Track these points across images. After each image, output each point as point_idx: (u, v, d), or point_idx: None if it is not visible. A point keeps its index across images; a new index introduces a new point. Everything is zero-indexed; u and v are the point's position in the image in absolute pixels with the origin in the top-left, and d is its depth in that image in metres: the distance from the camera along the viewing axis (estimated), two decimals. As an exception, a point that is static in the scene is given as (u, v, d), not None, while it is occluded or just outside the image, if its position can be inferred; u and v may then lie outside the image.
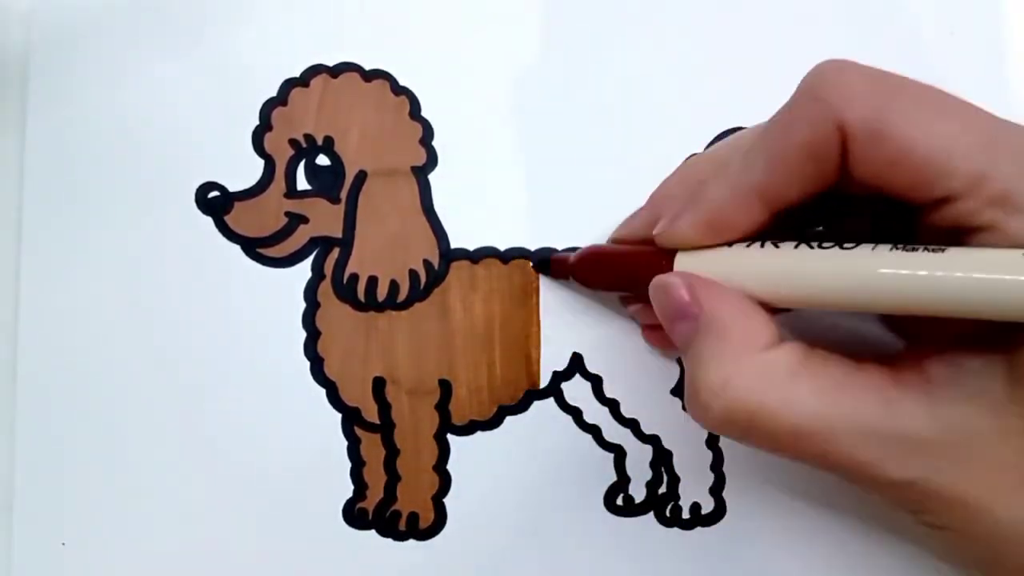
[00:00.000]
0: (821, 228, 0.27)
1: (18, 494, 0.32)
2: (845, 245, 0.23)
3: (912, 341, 0.26)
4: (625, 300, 0.32)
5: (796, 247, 0.24)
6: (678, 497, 0.32)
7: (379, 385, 0.32)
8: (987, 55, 0.34)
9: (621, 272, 0.29)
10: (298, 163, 0.32)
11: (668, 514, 0.32)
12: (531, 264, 0.32)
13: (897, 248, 0.22)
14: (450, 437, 0.32)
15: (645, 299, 0.27)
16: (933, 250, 0.22)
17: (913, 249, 0.22)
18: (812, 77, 0.24)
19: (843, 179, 0.24)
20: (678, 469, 0.32)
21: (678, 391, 0.32)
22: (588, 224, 0.33)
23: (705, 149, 0.31)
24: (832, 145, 0.23)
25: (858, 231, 0.25)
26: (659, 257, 0.27)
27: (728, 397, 0.23)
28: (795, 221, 0.26)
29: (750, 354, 0.24)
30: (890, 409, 0.23)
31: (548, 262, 0.32)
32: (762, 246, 0.25)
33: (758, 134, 0.25)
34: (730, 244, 0.26)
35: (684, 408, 0.31)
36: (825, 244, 0.24)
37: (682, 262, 0.27)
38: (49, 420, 0.32)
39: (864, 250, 0.23)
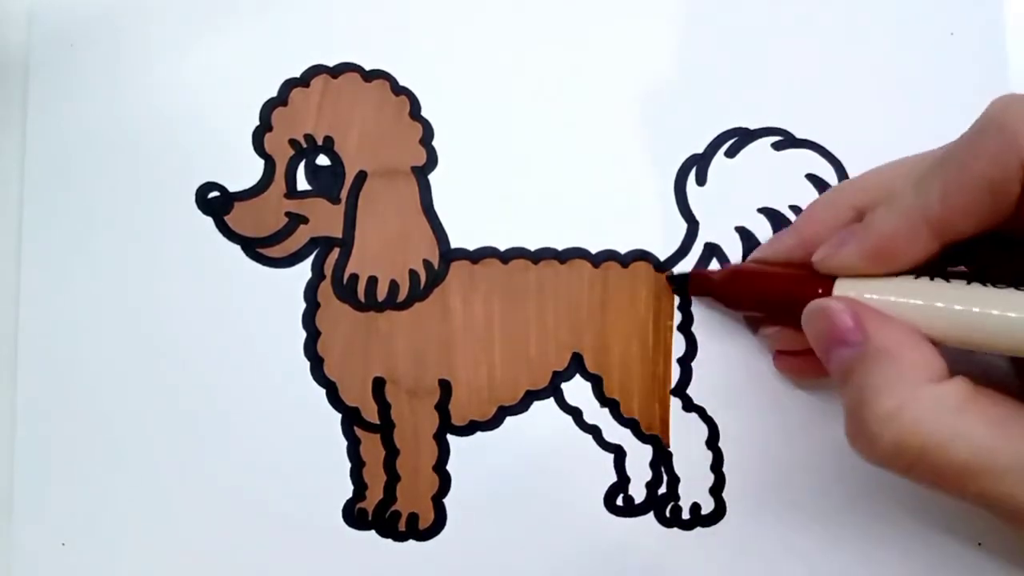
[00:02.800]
0: (963, 268, 0.26)
1: (18, 494, 0.32)
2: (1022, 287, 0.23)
3: None
4: (755, 322, 0.31)
5: (968, 283, 0.24)
6: (678, 497, 0.32)
7: (379, 385, 0.32)
8: (987, 55, 0.34)
9: (770, 294, 0.28)
10: (298, 163, 0.32)
11: (668, 514, 0.32)
12: (666, 277, 0.32)
13: None
14: (450, 437, 0.32)
15: (786, 323, 0.27)
16: None
17: None
18: (997, 110, 0.24)
19: (1017, 216, 0.24)
20: (678, 469, 0.32)
21: (678, 391, 0.32)
22: (588, 224, 0.33)
23: (857, 175, 0.30)
24: (1014, 181, 0.23)
25: (1013, 272, 0.25)
26: (816, 282, 0.27)
27: (900, 427, 0.23)
28: (952, 258, 0.25)
29: (923, 385, 0.23)
30: None
31: (685, 278, 0.32)
32: (932, 279, 0.25)
33: (932, 163, 0.25)
34: (896, 275, 0.25)
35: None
36: (999, 284, 0.24)
37: (842, 288, 0.26)
38: (49, 420, 0.32)
39: None
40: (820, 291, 0.26)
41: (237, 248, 0.32)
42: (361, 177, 0.33)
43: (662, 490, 0.32)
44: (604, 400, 0.32)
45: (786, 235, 0.30)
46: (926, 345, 0.24)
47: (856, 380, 0.24)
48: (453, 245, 0.33)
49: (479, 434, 0.32)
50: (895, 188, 0.26)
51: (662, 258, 0.33)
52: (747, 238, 0.33)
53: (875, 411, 0.23)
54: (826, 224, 0.28)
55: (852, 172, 0.33)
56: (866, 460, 0.24)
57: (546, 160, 0.33)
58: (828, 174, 0.33)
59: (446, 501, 0.32)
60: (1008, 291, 0.23)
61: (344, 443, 0.32)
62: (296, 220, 0.32)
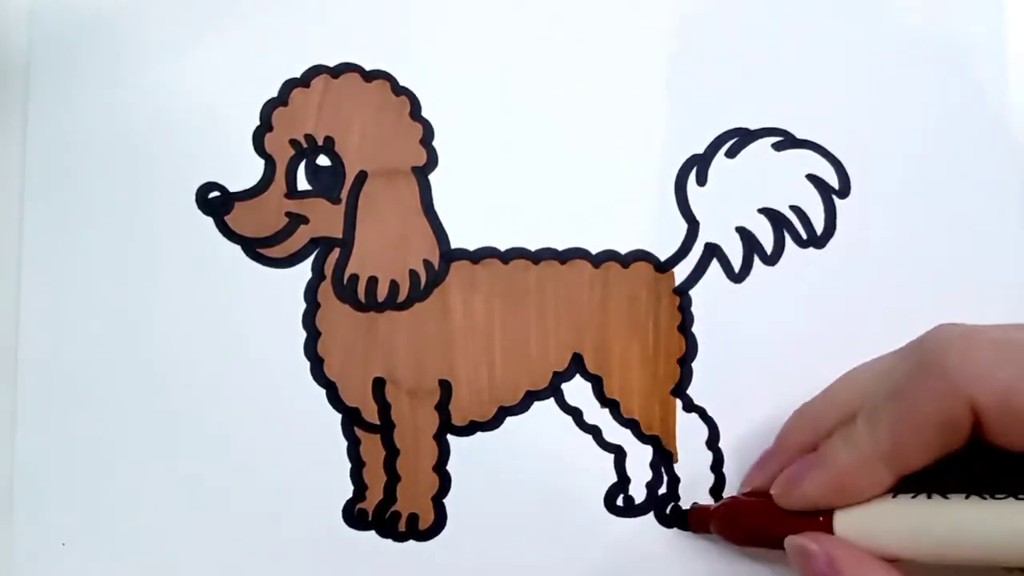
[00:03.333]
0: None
1: (18, 494, 0.32)
2: (996, 496, 0.24)
3: None
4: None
5: (967, 498, 0.25)
6: (678, 497, 0.32)
7: (379, 385, 0.32)
8: (987, 55, 0.34)
9: (772, 529, 0.29)
10: (299, 163, 0.32)
11: (668, 514, 0.32)
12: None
13: None
14: (450, 438, 0.32)
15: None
16: None
17: None
18: (934, 349, 0.25)
19: (972, 442, 0.24)
20: (678, 469, 0.32)
21: (678, 391, 0.32)
22: (589, 224, 0.33)
23: (820, 393, 0.30)
24: (963, 420, 0.24)
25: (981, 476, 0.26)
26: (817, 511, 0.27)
27: None
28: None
29: None
30: None
31: (685, 513, 0.32)
32: (928, 497, 0.25)
33: (881, 396, 0.26)
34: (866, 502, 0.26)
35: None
36: (963, 494, 0.25)
37: (842, 519, 0.27)
38: (49, 420, 0.32)
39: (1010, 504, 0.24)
40: (821, 520, 0.27)
41: (237, 248, 0.32)
42: (361, 177, 0.33)
43: (662, 490, 0.32)
44: (604, 400, 0.32)
45: (769, 460, 0.30)
46: None
47: None
48: (453, 245, 0.33)
49: (479, 434, 0.32)
50: (850, 408, 0.27)
51: (662, 258, 0.33)
52: (747, 238, 0.33)
53: None
54: (795, 452, 0.29)
55: (852, 172, 0.34)
56: None
57: (546, 160, 0.33)
58: (828, 174, 0.33)
59: (446, 501, 0.32)
60: (971, 501, 0.24)
61: (344, 443, 0.32)
62: (296, 220, 0.32)
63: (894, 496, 0.26)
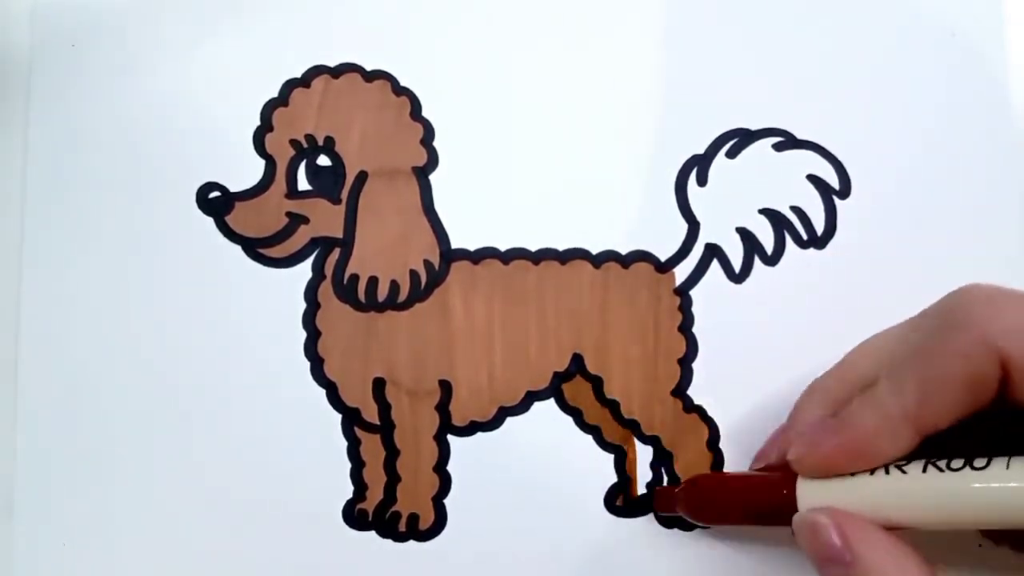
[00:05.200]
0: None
1: (18, 494, 0.32)
2: (975, 464, 0.24)
3: None
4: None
5: (924, 471, 0.24)
6: (678, 498, 0.32)
7: (379, 386, 0.32)
8: (988, 56, 0.34)
9: (735, 503, 0.28)
10: (299, 163, 0.32)
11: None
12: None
13: None
14: (450, 438, 0.32)
15: (766, 525, 0.27)
16: None
17: None
18: (959, 307, 0.24)
19: (998, 402, 0.24)
20: (678, 469, 0.32)
21: (678, 391, 0.32)
22: (589, 224, 0.33)
23: (832, 367, 0.30)
24: (991, 376, 0.23)
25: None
26: (779, 484, 0.27)
27: None
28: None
29: None
30: None
31: (650, 496, 0.32)
32: (887, 472, 0.25)
33: (905, 354, 0.25)
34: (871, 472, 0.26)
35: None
36: (954, 465, 0.24)
37: (805, 490, 0.26)
38: (50, 420, 0.32)
39: (998, 467, 0.23)
40: (785, 493, 0.27)
41: (238, 248, 0.32)
42: (362, 177, 0.33)
43: (662, 490, 0.32)
44: (604, 401, 0.32)
45: (783, 435, 0.30)
46: (909, 558, 0.24)
47: None
48: (454, 245, 0.33)
49: (479, 435, 0.32)
50: (869, 377, 0.27)
51: (663, 258, 0.33)
52: (748, 238, 0.33)
53: None
54: (809, 422, 0.28)
55: (852, 172, 0.33)
56: None
57: (547, 160, 0.33)
58: (829, 175, 0.33)
59: (446, 501, 0.32)
60: (964, 471, 0.24)
61: (344, 444, 0.32)
62: (297, 220, 0.32)
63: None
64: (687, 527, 0.32)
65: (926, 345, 0.25)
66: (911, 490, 0.25)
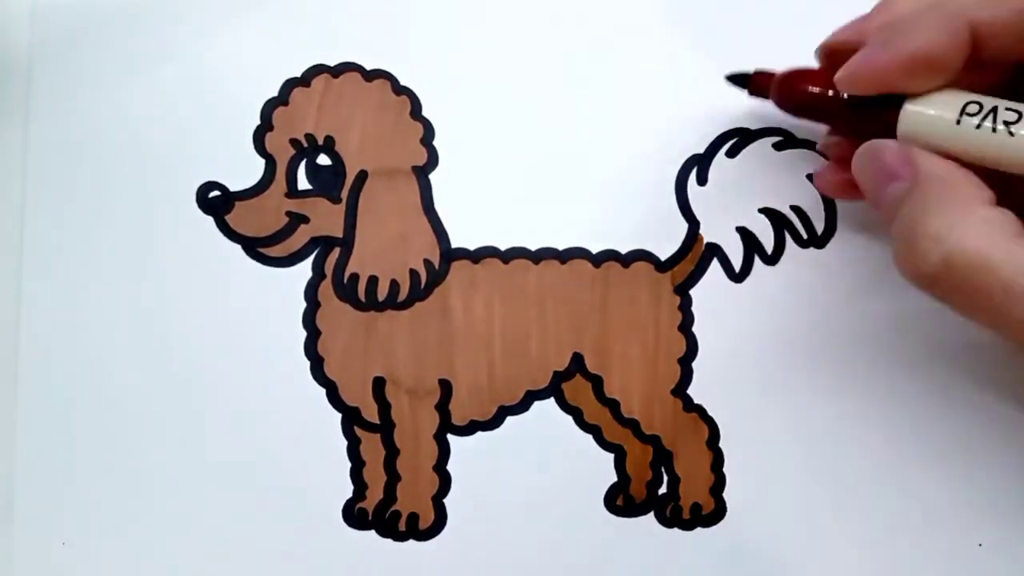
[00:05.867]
0: None
1: (18, 494, 0.32)
2: None
3: None
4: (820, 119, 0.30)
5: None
6: (678, 497, 0.32)
7: (379, 385, 0.32)
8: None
9: (823, 97, 0.27)
10: (299, 163, 0.32)
11: (668, 514, 0.32)
12: (725, 77, 0.31)
13: None
14: (450, 437, 0.32)
15: (840, 130, 0.27)
16: None
17: None
18: None
19: None
20: (678, 469, 0.32)
21: (678, 391, 0.32)
22: (589, 224, 0.33)
23: None
24: None
25: None
26: (884, 105, 0.26)
27: (952, 243, 0.22)
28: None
29: (974, 207, 0.23)
30: None
31: (749, 76, 0.30)
32: (994, 130, 0.24)
33: None
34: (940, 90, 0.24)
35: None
36: None
37: (907, 119, 0.25)
38: (49, 420, 0.32)
39: None
40: (888, 117, 0.25)
41: (238, 248, 0.32)
42: (362, 177, 0.33)
43: (662, 490, 0.32)
44: (604, 400, 0.32)
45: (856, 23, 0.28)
46: (973, 175, 0.24)
47: (907, 207, 0.24)
48: (454, 245, 0.33)
49: (479, 434, 0.32)
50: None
51: (663, 258, 0.33)
52: (748, 238, 0.33)
53: (926, 230, 0.23)
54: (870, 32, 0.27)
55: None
56: (912, 282, 0.24)
57: (547, 160, 0.33)
58: (829, 174, 0.33)
59: (446, 501, 0.32)
60: None
61: (344, 443, 0.32)
62: (297, 219, 0.32)
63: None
64: (687, 527, 0.32)
65: None
66: (1017, 146, 0.23)
